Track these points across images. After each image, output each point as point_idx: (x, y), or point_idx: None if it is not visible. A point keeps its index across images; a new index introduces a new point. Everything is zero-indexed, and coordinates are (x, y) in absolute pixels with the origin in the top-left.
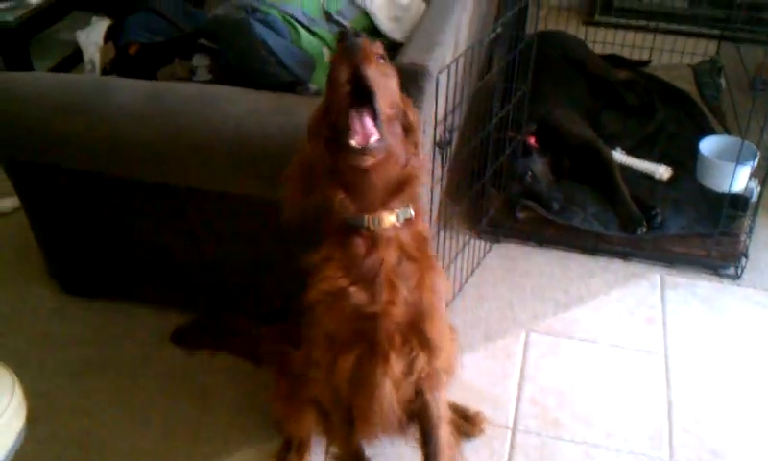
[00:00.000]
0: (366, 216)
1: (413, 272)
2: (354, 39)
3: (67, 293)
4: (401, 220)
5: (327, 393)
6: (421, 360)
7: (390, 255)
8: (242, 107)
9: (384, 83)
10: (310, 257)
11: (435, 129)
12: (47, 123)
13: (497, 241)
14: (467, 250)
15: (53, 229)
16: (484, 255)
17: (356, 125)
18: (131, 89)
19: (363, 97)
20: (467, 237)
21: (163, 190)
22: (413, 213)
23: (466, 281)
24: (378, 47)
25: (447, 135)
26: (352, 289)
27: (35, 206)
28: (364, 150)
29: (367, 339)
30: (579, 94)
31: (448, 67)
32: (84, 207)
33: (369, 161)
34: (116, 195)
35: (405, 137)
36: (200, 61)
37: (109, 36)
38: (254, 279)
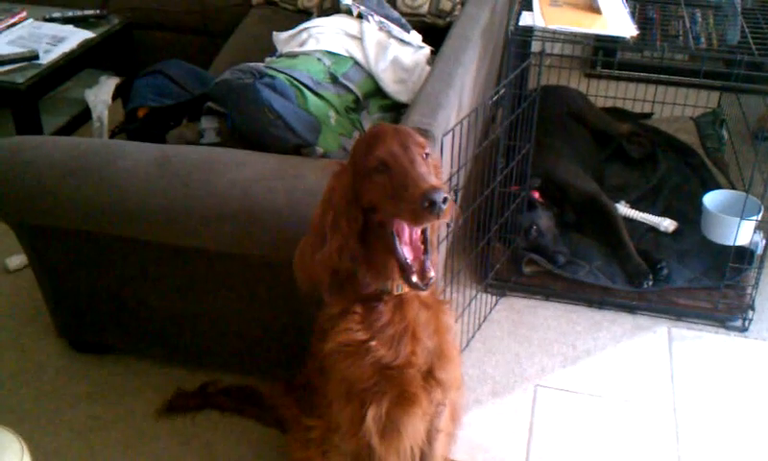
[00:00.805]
0: (389, 283)
1: (430, 319)
2: (441, 207)
3: (75, 350)
4: None
5: (352, 449)
6: (439, 395)
7: (412, 310)
8: (249, 171)
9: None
10: (326, 311)
11: None
12: (55, 188)
13: (503, 295)
14: (473, 304)
15: (61, 287)
16: (490, 310)
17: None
18: (138, 154)
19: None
20: (473, 292)
21: (171, 250)
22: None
23: (473, 336)
24: (423, 143)
25: (452, 195)
26: (374, 343)
27: (42, 265)
28: (426, 286)
29: (395, 386)
30: (582, 148)
31: (452, 130)
32: (93, 266)
33: (428, 291)
34: (124, 254)
35: None
36: (208, 124)
37: (118, 94)
38: (263, 339)
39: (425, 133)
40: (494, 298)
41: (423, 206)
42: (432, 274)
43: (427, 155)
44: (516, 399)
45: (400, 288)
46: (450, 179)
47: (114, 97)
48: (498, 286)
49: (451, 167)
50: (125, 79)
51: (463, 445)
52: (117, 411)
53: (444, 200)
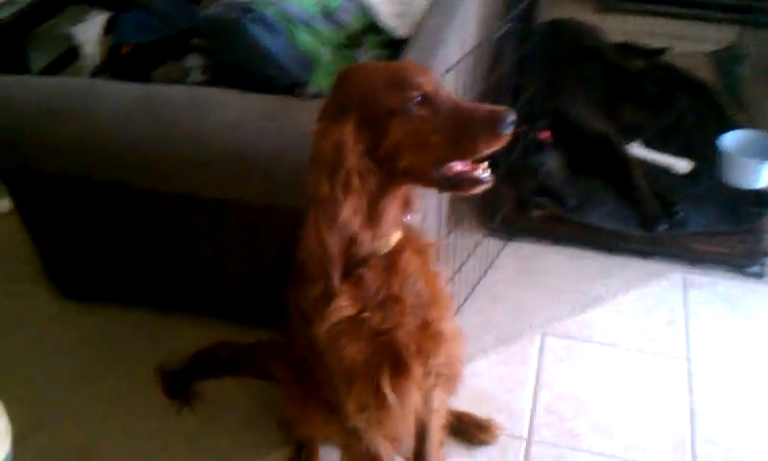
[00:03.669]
0: (377, 243)
1: (422, 266)
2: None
3: (65, 297)
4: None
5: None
6: (437, 359)
7: (402, 264)
8: (236, 112)
9: None
10: (309, 294)
11: None
12: (32, 130)
13: (510, 240)
14: (478, 250)
15: (48, 233)
16: (497, 255)
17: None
18: (120, 94)
19: None
20: (479, 237)
21: (158, 195)
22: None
23: (478, 283)
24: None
25: None
26: (366, 314)
27: (29, 211)
28: (487, 178)
29: (388, 355)
30: (594, 85)
31: (454, 67)
32: (79, 212)
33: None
34: (111, 200)
35: None
36: (193, 62)
37: (108, 29)
38: (253, 283)
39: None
40: (501, 243)
41: (502, 130)
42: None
43: None
44: (522, 347)
45: (386, 245)
46: None
47: (106, 33)
48: (505, 230)
49: None
50: (113, 14)
51: (466, 394)
52: (108, 360)
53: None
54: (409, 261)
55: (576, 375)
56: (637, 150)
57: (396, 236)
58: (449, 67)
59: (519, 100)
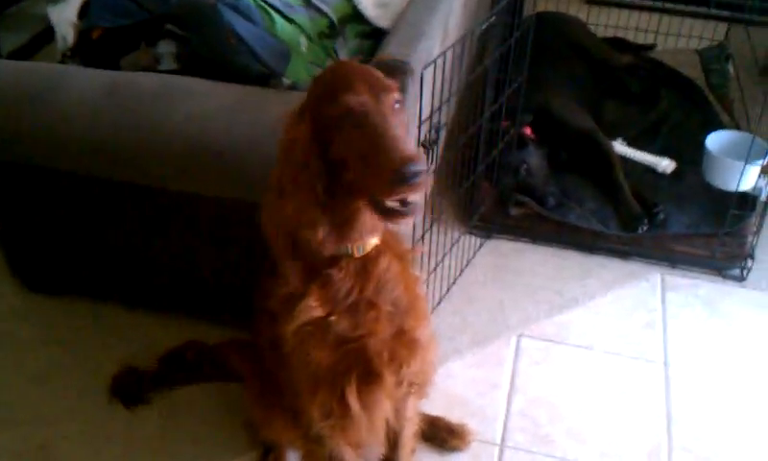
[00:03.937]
0: (349, 245)
1: (400, 272)
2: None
3: (30, 290)
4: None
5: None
6: (412, 368)
7: (378, 270)
8: (207, 102)
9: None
10: (278, 292)
11: (419, 128)
12: None
13: (488, 237)
14: (455, 248)
15: (11, 224)
16: (474, 254)
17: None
18: (87, 81)
19: None
20: (456, 235)
21: (125, 186)
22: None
23: (454, 282)
24: (395, 88)
25: (434, 134)
26: (334, 318)
27: None
28: (409, 211)
29: (358, 363)
30: (579, 81)
31: (435, 62)
32: (43, 202)
33: (411, 220)
34: (76, 190)
35: None
36: (166, 49)
37: (82, 13)
38: (224, 280)
39: (403, 65)
40: (479, 241)
41: (394, 181)
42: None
43: (398, 103)
44: (497, 349)
45: (362, 249)
46: (431, 116)
47: (80, 15)
48: (483, 228)
49: (432, 103)
50: None
51: (439, 397)
52: (73, 357)
53: (421, 174)
54: (387, 268)
55: (551, 378)
56: (620, 148)
57: (372, 241)
58: (428, 62)
59: (502, 95)
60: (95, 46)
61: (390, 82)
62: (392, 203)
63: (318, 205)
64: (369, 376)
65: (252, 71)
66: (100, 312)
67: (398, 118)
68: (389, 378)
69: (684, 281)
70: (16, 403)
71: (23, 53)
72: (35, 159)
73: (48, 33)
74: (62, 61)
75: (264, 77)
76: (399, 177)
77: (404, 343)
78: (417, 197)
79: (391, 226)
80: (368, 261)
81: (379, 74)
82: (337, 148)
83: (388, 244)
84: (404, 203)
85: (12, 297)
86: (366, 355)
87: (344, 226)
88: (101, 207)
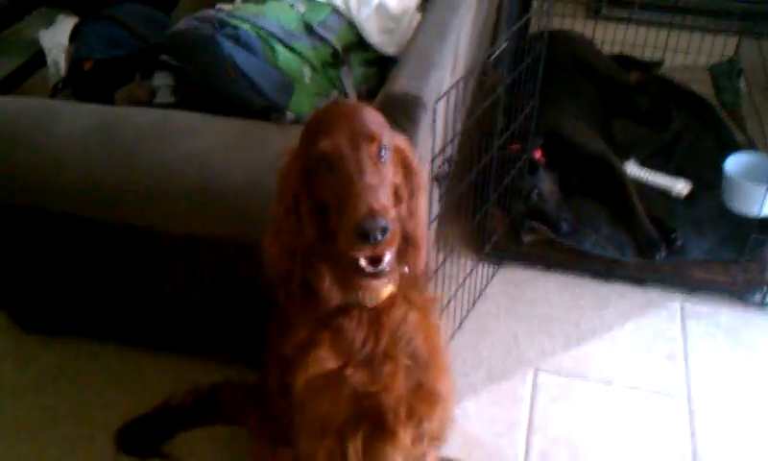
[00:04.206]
0: (360, 294)
1: (419, 323)
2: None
3: (22, 330)
4: (396, 282)
5: None
6: (433, 423)
7: (393, 320)
8: (206, 140)
9: (385, 188)
10: (286, 342)
11: (432, 163)
12: None
13: (500, 266)
14: (467, 281)
15: (3, 262)
16: (486, 284)
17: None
18: (78, 117)
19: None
20: (468, 267)
21: (120, 228)
22: (407, 269)
23: (466, 315)
24: (379, 138)
25: (445, 167)
26: (349, 371)
27: None
28: (377, 273)
29: (370, 418)
30: (588, 101)
31: (447, 94)
32: (34, 243)
33: (383, 283)
34: (68, 232)
35: (400, 197)
36: (162, 81)
37: (72, 38)
38: (223, 321)
39: (415, 100)
40: (491, 270)
41: (355, 236)
42: (387, 258)
43: (384, 150)
44: (514, 386)
45: (374, 298)
46: (444, 148)
47: (71, 40)
48: (495, 256)
49: (445, 135)
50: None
51: (455, 438)
52: (66, 402)
53: (384, 231)
54: (404, 318)
55: (571, 416)
56: (633, 170)
57: (386, 290)
58: (440, 95)
59: (513, 120)
60: (87, 78)
61: (375, 131)
62: (362, 260)
63: (305, 246)
64: (381, 433)
65: (253, 105)
66: (95, 353)
67: (379, 168)
68: (403, 436)
69: (705, 309)
70: (5, 452)
71: (16, 77)
72: (22, 200)
73: (39, 57)
74: (54, 94)
75: (266, 111)
76: (359, 231)
77: (423, 397)
78: (386, 260)
79: (366, 286)
80: (381, 311)
81: (371, 119)
82: (317, 191)
83: (405, 293)
84: (375, 262)
85: (3, 339)
86: (380, 411)
87: (348, 272)
88: (93, 248)
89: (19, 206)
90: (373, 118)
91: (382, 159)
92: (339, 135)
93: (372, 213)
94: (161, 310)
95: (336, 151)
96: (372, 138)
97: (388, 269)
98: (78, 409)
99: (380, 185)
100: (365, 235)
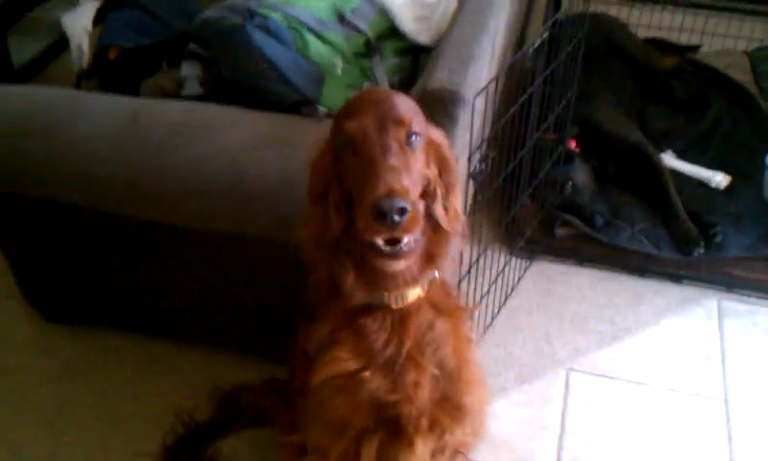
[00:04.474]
0: (386, 294)
1: (448, 333)
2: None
3: (47, 321)
4: (426, 286)
5: None
6: (456, 435)
7: (418, 325)
8: (237, 136)
9: (410, 174)
10: (310, 337)
11: (469, 160)
12: (5, 150)
13: (533, 259)
14: (500, 277)
15: (27, 255)
16: (518, 280)
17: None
18: (104, 110)
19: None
20: (501, 263)
21: (147, 224)
22: (437, 274)
23: (498, 311)
24: (409, 122)
25: (482, 164)
26: (367, 374)
27: (4, 232)
28: (395, 253)
29: (388, 425)
30: (622, 87)
31: (486, 88)
32: (61, 236)
33: (401, 265)
34: (96, 226)
35: (433, 192)
36: (189, 71)
37: (99, 19)
38: (249, 316)
39: (453, 95)
40: (524, 263)
41: (371, 216)
42: (405, 239)
43: (414, 136)
44: (545, 386)
45: (399, 300)
46: (481, 145)
47: (95, 23)
48: (528, 250)
49: (483, 133)
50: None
51: (485, 442)
52: (90, 392)
53: (402, 211)
54: (431, 325)
55: (605, 418)
56: (670, 160)
57: (413, 292)
58: (479, 90)
59: (550, 110)
60: (113, 67)
61: (404, 115)
62: (378, 241)
63: (332, 237)
64: (398, 441)
65: (283, 98)
66: (118, 345)
67: (406, 154)
68: (421, 447)
69: (742, 307)
70: (27, 446)
71: (37, 64)
72: (49, 194)
73: (63, 41)
74: (78, 84)
75: (297, 103)
76: (376, 209)
77: (448, 410)
78: (405, 240)
79: (384, 267)
80: (407, 315)
81: (401, 104)
82: (345, 178)
83: (434, 298)
84: (392, 242)
85: (27, 327)
86: (399, 421)
87: (373, 271)
88: (121, 242)
89: (44, 199)
90: (404, 103)
91: (411, 146)
92: (366, 117)
93: (391, 192)
94: (186, 304)
95: (361, 132)
96: (401, 122)
97: (406, 249)
98: (99, 400)
99: (405, 170)
100: (382, 214)
